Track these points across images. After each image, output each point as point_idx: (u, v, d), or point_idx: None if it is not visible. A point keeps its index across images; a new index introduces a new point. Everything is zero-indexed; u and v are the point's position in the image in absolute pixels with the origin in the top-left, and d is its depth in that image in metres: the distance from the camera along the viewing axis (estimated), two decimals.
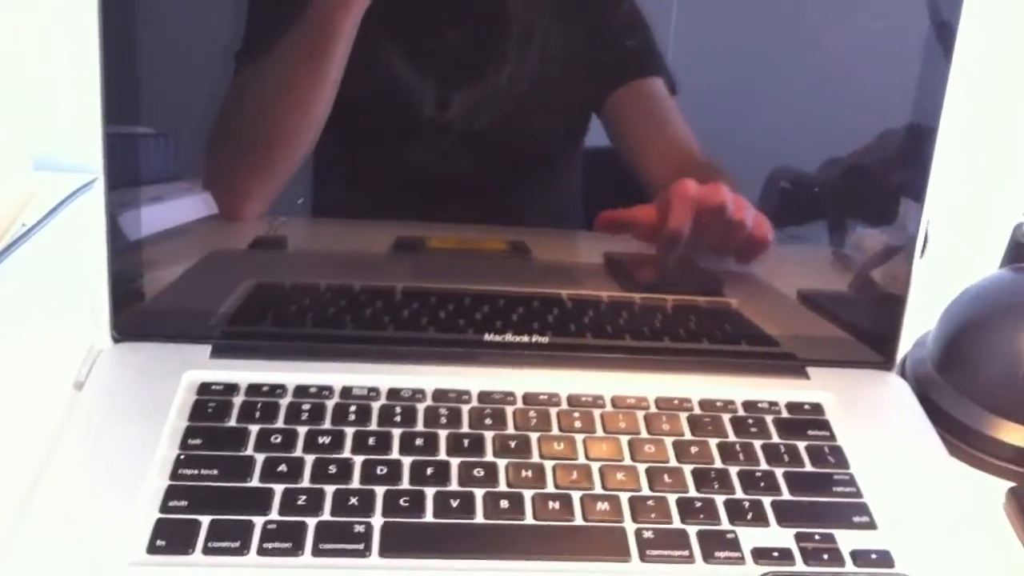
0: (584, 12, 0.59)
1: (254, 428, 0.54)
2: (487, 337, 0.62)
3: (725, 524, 0.51)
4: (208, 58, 0.57)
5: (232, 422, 0.55)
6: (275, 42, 0.57)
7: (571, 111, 0.62)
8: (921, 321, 0.66)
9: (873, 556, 0.50)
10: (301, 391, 0.57)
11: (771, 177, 0.62)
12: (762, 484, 0.53)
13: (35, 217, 0.75)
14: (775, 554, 0.49)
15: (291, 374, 0.58)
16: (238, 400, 0.56)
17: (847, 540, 0.50)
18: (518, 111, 0.60)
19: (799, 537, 0.50)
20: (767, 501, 0.52)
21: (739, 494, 0.53)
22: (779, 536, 0.50)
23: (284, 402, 0.56)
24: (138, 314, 0.59)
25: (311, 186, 0.60)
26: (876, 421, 0.59)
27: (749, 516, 0.51)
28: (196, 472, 0.51)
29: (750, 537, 0.50)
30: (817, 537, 0.50)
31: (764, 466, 0.55)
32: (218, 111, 0.57)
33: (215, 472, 0.51)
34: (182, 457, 0.52)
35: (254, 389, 0.57)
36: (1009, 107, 0.87)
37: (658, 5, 0.58)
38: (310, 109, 0.58)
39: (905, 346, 0.66)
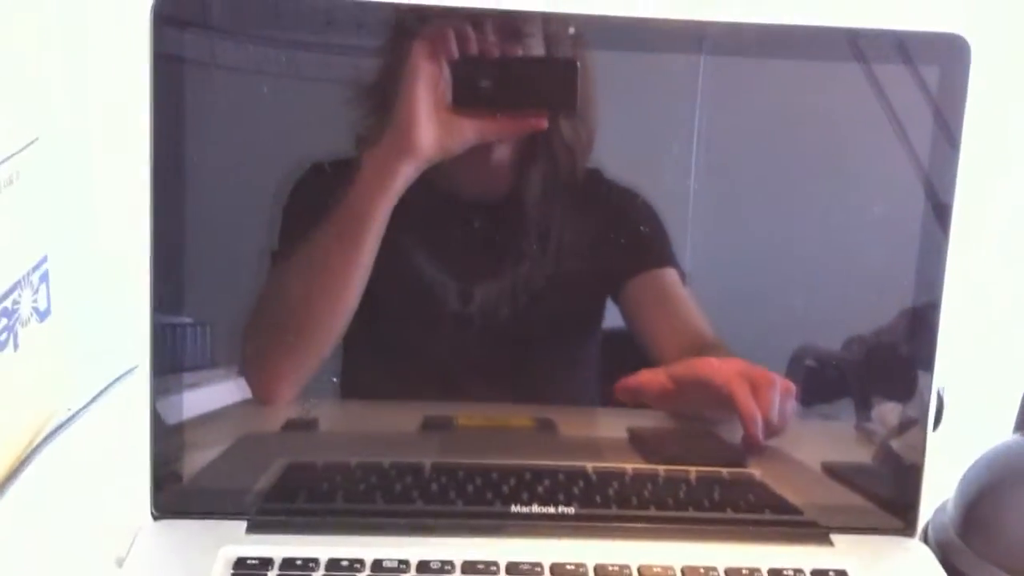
0: (600, 208, 0.63)
1: None
2: (514, 509, 0.63)
3: None
4: (246, 252, 0.61)
5: None
6: (310, 235, 0.61)
7: (587, 300, 0.65)
8: (943, 486, 0.67)
9: None
10: (333, 564, 0.58)
11: (793, 357, 0.64)
12: None
13: (80, 401, 0.79)
14: None
15: (324, 548, 0.59)
16: (273, 574, 0.57)
17: None
18: (537, 302, 0.63)
19: None
20: None
21: None
22: None
23: (317, 575, 0.57)
24: (177, 493, 0.62)
25: (341, 369, 0.63)
26: None
27: None
28: None
29: None
30: None
31: None
32: (255, 302, 0.61)
33: None
34: None
35: (288, 563, 0.58)
36: (1009, 269, 0.90)
37: (673, 198, 0.62)
38: (341, 298, 0.61)
39: (927, 512, 0.67)
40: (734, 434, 0.64)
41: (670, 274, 0.63)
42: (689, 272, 0.63)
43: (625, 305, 0.65)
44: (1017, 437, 0.68)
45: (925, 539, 0.65)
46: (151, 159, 0.58)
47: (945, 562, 0.62)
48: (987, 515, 0.63)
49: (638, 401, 0.64)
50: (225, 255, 0.61)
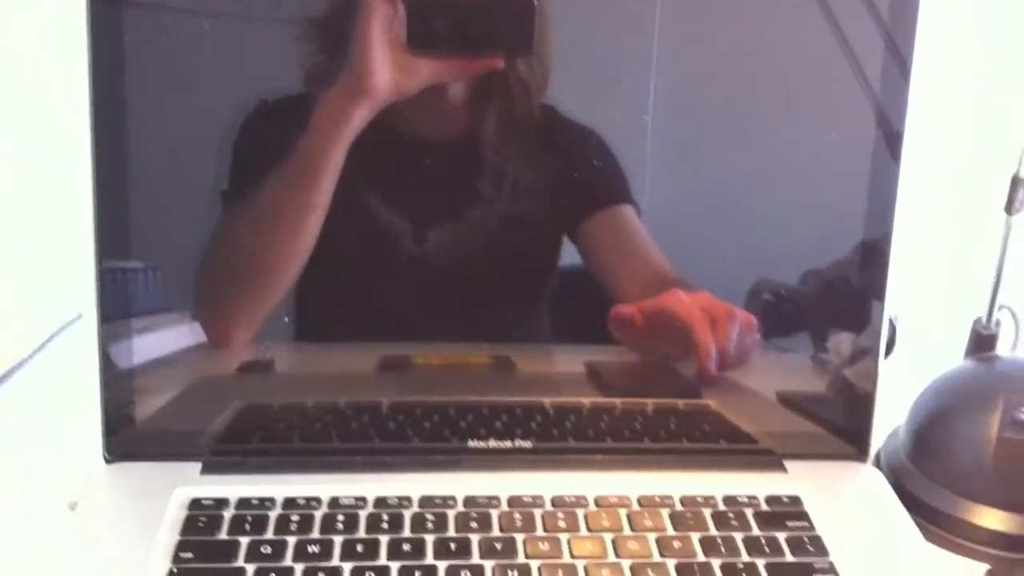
0: (556, 146, 0.63)
1: (244, 540, 0.55)
2: (472, 444, 0.63)
3: None
4: (195, 194, 0.60)
5: (223, 535, 0.56)
6: (263, 177, 0.60)
7: (544, 238, 0.65)
8: (894, 414, 0.68)
9: None
10: (290, 503, 0.58)
11: (751, 294, 0.65)
12: (744, 574, 0.54)
13: (27, 350, 0.78)
14: None
15: (280, 487, 0.59)
16: (228, 514, 0.57)
17: None
18: (493, 242, 0.63)
19: None
20: None
21: None
22: None
23: (273, 514, 0.57)
24: (129, 436, 0.61)
25: (296, 311, 0.63)
26: (853, 510, 0.61)
27: None
28: None
29: None
30: None
31: (745, 558, 0.56)
32: (206, 245, 0.60)
33: None
34: (175, 571, 0.53)
35: (244, 503, 0.58)
36: (961, 206, 0.90)
37: (629, 135, 0.61)
38: (296, 240, 0.60)
39: (880, 439, 0.68)
40: (691, 367, 0.64)
41: (628, 211, 0.63)
42: (646, 209, 0.63)
43: (584, 244, 0.64)
44: (966, 363, 0.69)
45: (878, 464, 0.66)
46: (91, 100, 0.57)
47: (897, 485, 0.63)
48: (937, 439, 0.64)
49: (624, 334, 0.64)
50: (173, 197, 0.60)
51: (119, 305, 0.60)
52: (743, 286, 0.64)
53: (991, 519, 0.60)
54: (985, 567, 0.58)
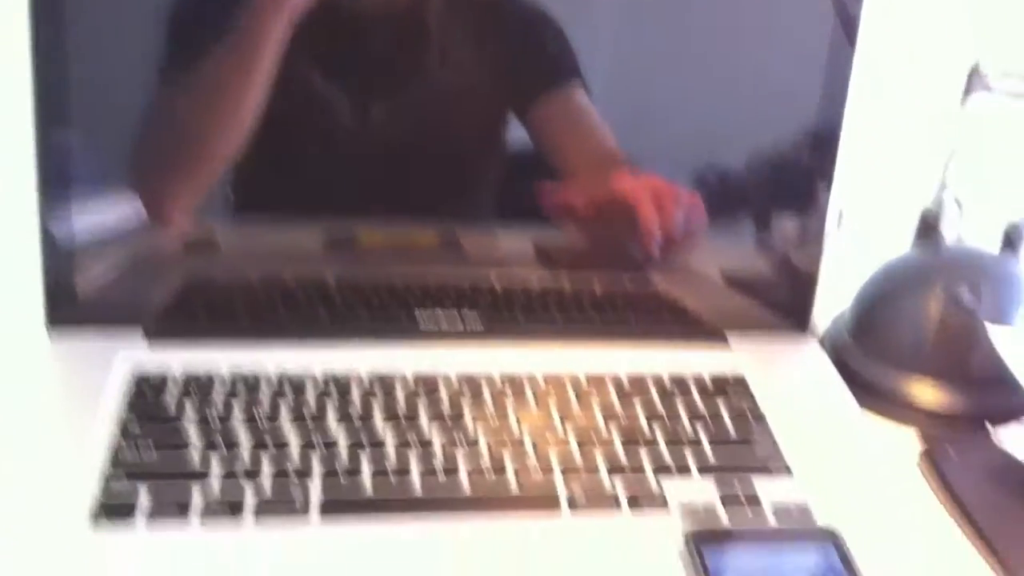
0: (503, 22, 0.62)
1: (191, 407, 0.55)
2: (421, 320, 0.63)
3: (651, 480, 0.53)
4: (135, 69, 0.59)
5: (169, 403, 0.56)
6: (203, 52, 0.59)
7: (490, 119, 0.64)
8: (841, 301, 0.69)
9: (792, 508, 0.52)
10: (237, 372, 0.58)
11: (699, 174, 0.65)
12: (686, 442, 0.56)
13: None
14: (699, 505, 0.51)
15: (226, 356, 0.59)
16: (174, 382, 0.57)
17: (767, 492, 0.53)
18: (436, 121, 0.62)
19: (721, 489, 0.53)
20: (691, 458, 0.55)
21: (665, 453, 0.55)
22: (702, 487, 0.53)
23: (220, 383, 0.57)
24: (73, 305, 0.60)
25: (240, 189, 0.62)
26: (793, 383, 0.62)
27: (674, 472, 0.53)
28: (135, 451, 0.52)
29: (675, 491, 0.52)
30: (738, 489, 0.53)
31: (688, 427, 0.57)
32: (145, 121, 0.59)
33: (153, 450, 0.52)
34: (121, 437, 0.53)
35: (190, 371, 0.58)
36: (914, 97, 0.91)
37: (578, 12, 0.60)
38: (235, 116, 0.59)
39: (827, 324, 0.69)
40: (639, 247, 0.65)
41: (578, 92, 0.63)
42: (596, 91, 0.63)
43: (532, 124, 0.64)
44: (913, 250, 0.70)
45: (823, 346, 0.67)
46: None
47: (838, 362, 0.64)
48: (880, 319, 0.65)
49: (560, 214, 0.64)
50: (113, 72, 0.58)
51: (60, 179, 0.59)
52: (692, 169, 0.64)
53: (926, 391, 0.61)
54: (919, 437, 0.60)
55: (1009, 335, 0.60)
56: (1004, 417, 0.59)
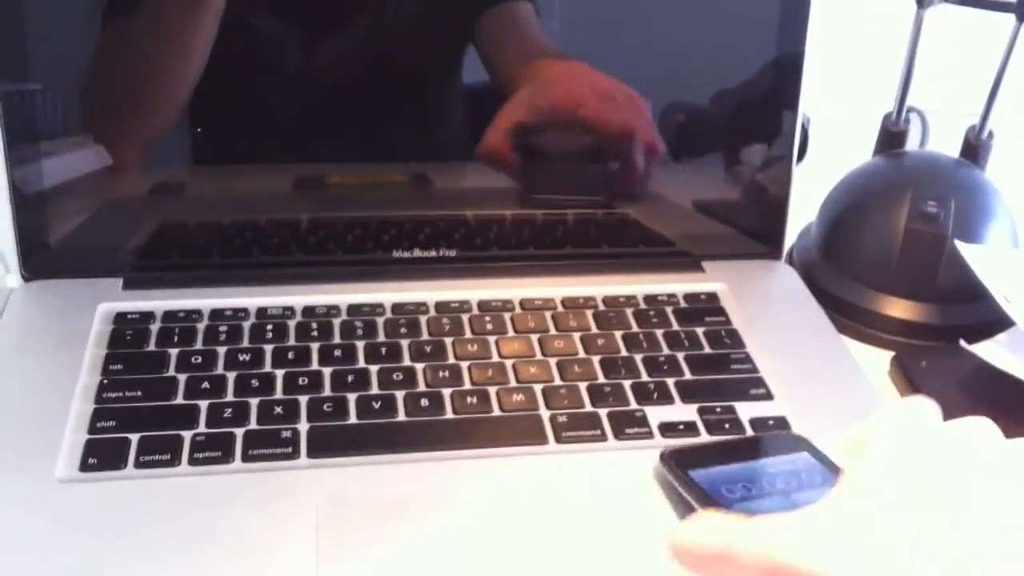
0: None
1: (174, 351, 0.55)
2: (396, 255, 0.63)
3: (633, 405, 0.54)
4: (87, 12, 0.58)
5: (151, 347, 0.56)
6: None
7: (441, 42, 0.63)
8: (805, 212, 0.70)
9: (770, 422, 0.53)
10: (216, 314, 0.58)
11: (664, 112, 0.65)
12: (665, 367, 0.57)
13: None
14: (680, 427, 0.53)
15: (205, 300, 0.59)
16: (155, 326, 0.57)
17: (746, 411, 0.54)
18: (386, 50, 0.62)
19: (702, 411, 0.54)
20: (671, 382, 0.56)
21: (645, 377, 0.56)
22: (683, 412, 0.54)
23: (201, 325, 0.57)
24: (47, 254, 0.60)
25: (203, 132, 0.61)
26: (767, 305, 0.63)
27: (655, 396, 0.55)
28: (121, 395, 0.52)
29: (657, 414, 0.53)
30: (718, 410, 0.54)
31: (666, 351, 0.58)
32: (93, 64, 0.58)
33: (139, 394, 0.52)
34: (105, 382, 0.53)
35: (170, 315, 0.58)
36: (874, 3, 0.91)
37: None
38: (183, 57, 0.59)
39: (793, 238, 0.70)
40: (610, 174, 0.65)
41: (524, 7, 0.62)
42: (559, 29, 0.63)
43: (480, 43, 0.63)
44: (875, 160, 0.71)
45: (791, 262, 0.68)
46: None
47: (808, 280, 0.65)
48: (846, 234, 0.66)
49: (502, 161, 0.64)
50: (67, 17, 0.58)
51: (23, 128, 0.58)
52: (657, 107, 0.65)
53: (897, 308, 0.63)
54: (892, 354, 0.61)
55: (981, 250, 0.61)
56: (979, 335, 0.60)
